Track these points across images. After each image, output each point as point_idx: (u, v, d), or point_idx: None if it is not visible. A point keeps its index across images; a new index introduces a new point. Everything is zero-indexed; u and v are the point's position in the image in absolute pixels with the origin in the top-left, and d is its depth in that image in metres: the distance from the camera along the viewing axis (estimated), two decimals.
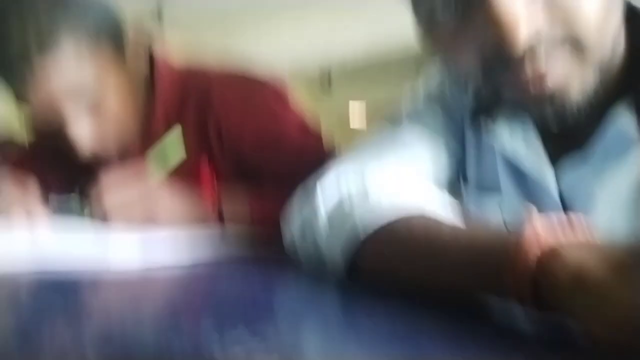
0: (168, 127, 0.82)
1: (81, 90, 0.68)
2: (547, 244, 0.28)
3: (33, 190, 0.63)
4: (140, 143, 0.81)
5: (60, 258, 0.47)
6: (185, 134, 0.81)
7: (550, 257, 0.28)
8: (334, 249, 0.45)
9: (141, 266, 0.49)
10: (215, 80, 0.83)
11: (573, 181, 0.49)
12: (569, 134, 0.50)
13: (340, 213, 0.46)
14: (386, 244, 0.41)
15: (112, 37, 0.72)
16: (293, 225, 0.52)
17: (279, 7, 5.14)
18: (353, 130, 9.04)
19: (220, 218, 0.69)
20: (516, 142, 0.52)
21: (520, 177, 0.54)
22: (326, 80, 6.96)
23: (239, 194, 0.73)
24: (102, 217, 0.59)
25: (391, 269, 0.40)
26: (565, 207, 0.50)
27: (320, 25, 5.35)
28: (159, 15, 5.10)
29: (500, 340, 0.27)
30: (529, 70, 0.41)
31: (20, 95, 0.68)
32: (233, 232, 0.69)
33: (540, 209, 0.51)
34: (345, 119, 8.57)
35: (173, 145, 0.68)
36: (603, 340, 0.24)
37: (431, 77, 0.65)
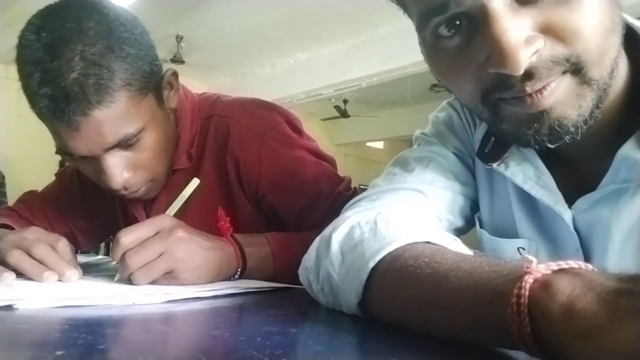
0: (190, 160, 0.84)
1: (126, 138, 0.70)
2: (539, 274, 0.29)
3: (64, 250, 0.62)
4: (165, 180, 0.83)
5: (93, 296, 0.49)
6: (204, 173, 0.83)
7: (540, 287, 0.28)
8: (346, 282, 0.45)
9: (163, 300, 0.51)
10: (232, 112, 0.85)
11: (589, 220, 0.49)
12: (580, 174, 0.50)
13: (350, 243, 0.47)
14: (393, 272, 0.41)
15: (154, 85, 0.74)
16: (309, 263, 0.52)
17: (296, 40, 5.25)
18: (370, 147, 9.11)
19: (243, 269, 0.69)
20: (529, 182, 0.52)
21: (538, 218, 0.54)
22: (342, 106, 7.00)
23: (261, 242, 0.73)
24: (126, 278, 0.58)
25: (399, 300, 0.40)
26: (584, 247, 0.50)
27: (334, 55, 5.43)
28: (179, 53, 5.24)
29: None
30: (527, 87, 0.41)
31: (63, 139, 0.69)
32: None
33: (560, 250, 0.52)
34: (362, 141, 8.63)
35: (192, 196, 0.68)
36: None
37: (439, 114, 0.66)
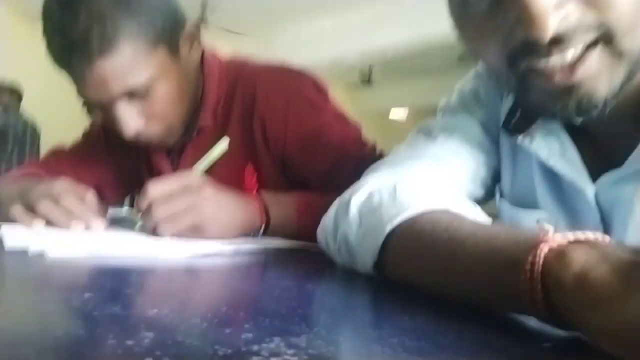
0: (216, 120, 0.86)
1: (134, 89, 0.72)
2: (555, 244, 0.29)
3: (91, 201, 0.66)
4: (188, 134, 0.85)
5: (114, 249, 0.51)
6: (231, 133, 0.83)
7: (555, 257, 0.28)
8: (363, 244, 0.46)
9: (186, 255, 0.52)
10: (259, 76, 0.86)
11: (612, 197, 0.49)
12: (607, 150, 0.49)
13: (369, 207, 0.48)
14: (410, 236, 0.41)
15: (169, 37, 0.75)
16: (327, 225, 0.53)
17: (321, 4, 5.16)
18: (393, 121, 8.98)
19: (267, 226, 0.70)
20: (554, 157, 0.52)
21: (560, 193, 0.54)
22: (367, 74, 6.91)
23: (286, 201, 0.74)
24: (151, 230, 0.60)
25: (414, 263, 0.40)
26: (605, 223, 0.50)
27: (361, 21, 5.33)
28: (203, 13, 5.20)
29: (517, 347, 0.28)
30: (556, 58, 0.40)
31: (77, 86, 0.73)
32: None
33: (580, 224, 0.52)
34: (386, 111, 8.52)
35: (221, 156, 0.69)
36: (609, 347, 0.24)
37: (466, 85, 0.65)
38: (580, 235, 0.29)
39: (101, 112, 0.77)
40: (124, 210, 1.06)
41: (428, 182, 0.53)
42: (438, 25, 4.19)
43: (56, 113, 4.51)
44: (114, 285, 0.36)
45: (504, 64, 0.45)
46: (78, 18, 0.66)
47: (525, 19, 0.39)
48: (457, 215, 0.41)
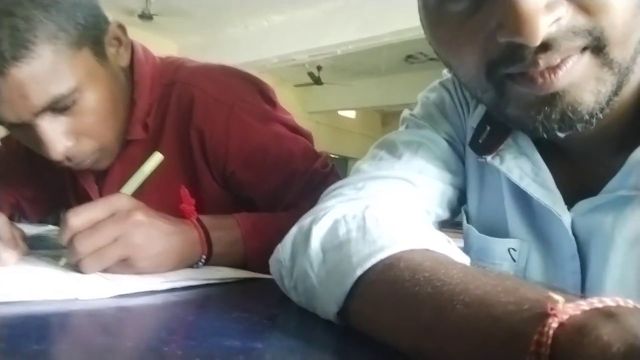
0: (147, 131, 0.76)
1: (57, 100, 0.62)
2: (566, 317, 0.24)
3: (3, 228, 0.54)
4: (117, 149, 0.75)
5: (28, 289, 0.43)
6: (164, 146, 0.75)
7: (568, 335, 0.23)
8: (325, 287, 0.39)
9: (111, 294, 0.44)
10: (198, 79, 0.77)
11: (590, 226, 0.45)
12: (584, 173, 0.46)
13: (334, 241, 0.41)
14: (384, 284, 0.35)
15: (93, 37, 0.66)
16: (282, 256, 0.46)
17: (270, 0, 5.09)
18: (342, 116, 9.03)
19: (209, 255, 0.62)
20: (526, 179, 0.47)
21: (532, 218, 0.50)
22: (316, 74, 6.89)
23: (229, 225, 0.66)
24: (74, 264, 0.51)
25: (388, 318, 0.34)
26: (581, 253, 0.46)
27: (311, 19, 5.30)
28: (147, 8, 4.99)
29: None
30: (540, 60, 0.36)
31: None
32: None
33: (554, 254, 0.48)
34: (334, 106, 8.56)
35: (152, 173, 0.59)
36: None
37: (430, 95, 0.60)
38: (596, 302, 0.24)
39: (21, 134, 0.66)
40: (46, 229, 0.95)
41: (398, 209, 0.47)
42: (386, 24, 4.22)
43: None
44: (21, 340, 0.28)
45: (482, 72, 0.40)
46: None
47: (512, 20, 0.34)
48: (439, 259, 0.35)
